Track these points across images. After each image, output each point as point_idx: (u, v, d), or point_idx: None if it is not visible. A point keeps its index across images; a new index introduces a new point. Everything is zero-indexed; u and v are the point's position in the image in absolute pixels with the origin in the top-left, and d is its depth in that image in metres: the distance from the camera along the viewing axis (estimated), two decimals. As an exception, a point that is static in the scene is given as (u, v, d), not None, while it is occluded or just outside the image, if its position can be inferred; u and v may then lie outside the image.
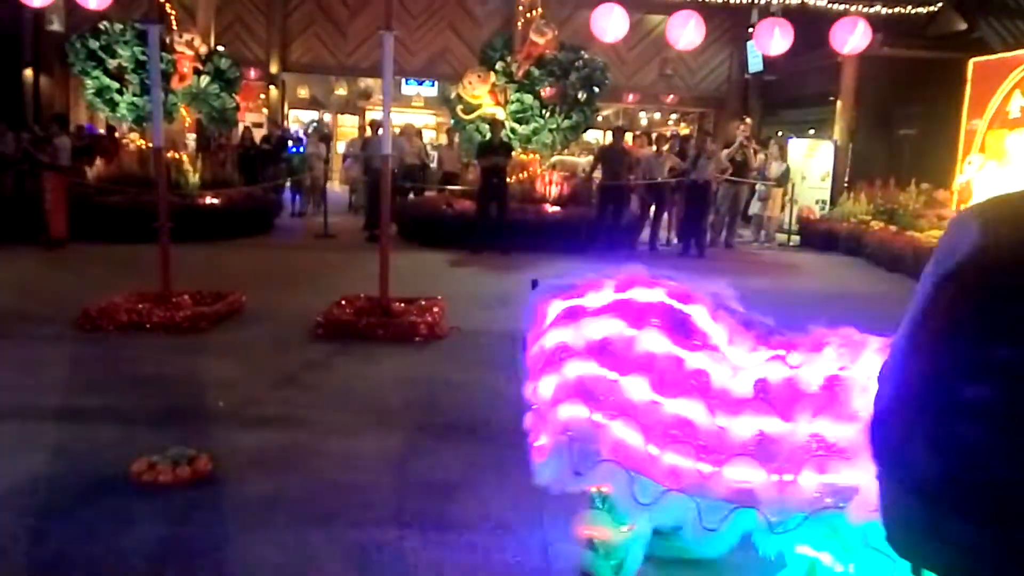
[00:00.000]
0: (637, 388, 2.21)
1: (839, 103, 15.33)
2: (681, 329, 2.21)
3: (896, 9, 14.60)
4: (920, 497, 0.97)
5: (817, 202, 14.45)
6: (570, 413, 2.40)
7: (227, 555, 2.98)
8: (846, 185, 14.27)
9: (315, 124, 18.46)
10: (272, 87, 18.72)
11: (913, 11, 14.55)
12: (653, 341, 2.21)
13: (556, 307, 2.63)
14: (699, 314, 2.19)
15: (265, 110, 18.56)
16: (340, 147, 17.33)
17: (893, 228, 11.50)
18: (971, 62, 11.91)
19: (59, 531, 3.08)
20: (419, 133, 14.81)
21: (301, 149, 14.75)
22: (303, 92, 21.05)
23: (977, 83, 11.73)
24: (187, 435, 3.98)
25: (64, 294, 7.14)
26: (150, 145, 9.37)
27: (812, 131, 16.52)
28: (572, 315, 2.49)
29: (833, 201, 14.20)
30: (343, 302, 6.53)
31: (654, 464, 2.17)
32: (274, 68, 18.59)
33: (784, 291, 8.97)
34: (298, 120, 19.94)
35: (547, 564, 2.98)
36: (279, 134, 15.16)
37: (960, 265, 1.00)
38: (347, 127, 20.50)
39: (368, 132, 13.47)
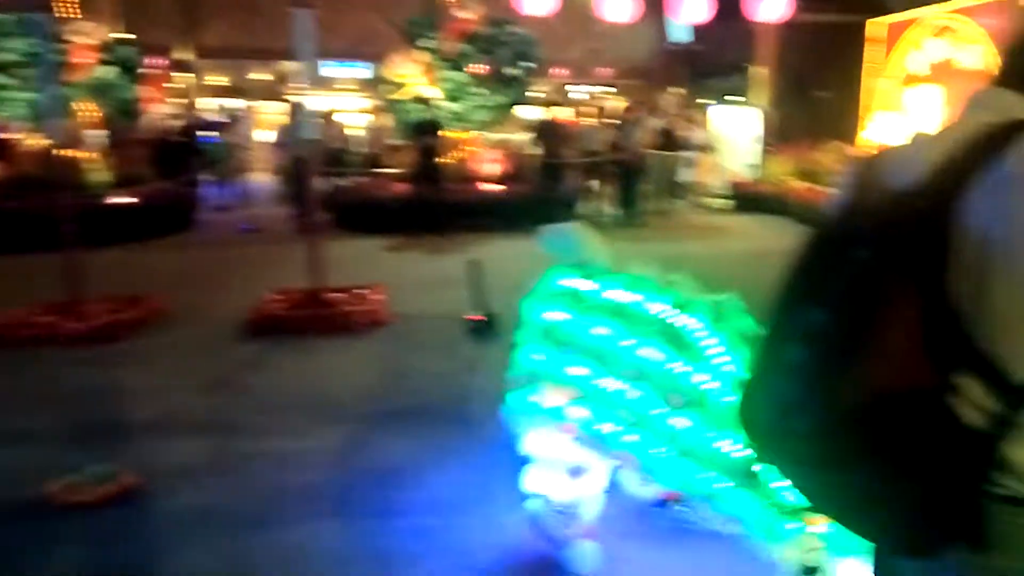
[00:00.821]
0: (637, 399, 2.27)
1: (759, 69, 15.64)
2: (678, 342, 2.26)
3: None
4: (764, 446, 1.12)
5: (744, 166, 14.75)
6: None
7: (160, 568, 2.84)
8: (770, 148, 14.59)
9: (238, 113, 17.82)
10: (184, 75, 17.96)
11: None
12: (652, 352, 2.27)
13: (566, 281, 2.62)
14: (697, 328, 2.25)
15: (178, 99, 17.82)
16: (263, 135, 16.77)
17: (813, 187, 11.83)
18: (869, 23, 12.48)
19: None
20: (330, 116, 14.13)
21: (217, 139, 14.13)
22: (218, 79, 20.30)
23: (878, 43, 12.33)
24: (110, 451, 3.74)
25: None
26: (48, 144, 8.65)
27: (737, 97, 16.83)
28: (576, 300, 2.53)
29: (760, 164, 14.51)
30: (275, 296, 6.28)
31: None
32: (185, 55, 17.81)
33: (715, 254, 9.15)
34: (216, 108, 19.21)
35: (497, 543, 2.94)
36: (191, 124, 14.49)
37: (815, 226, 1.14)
38: (270, 114, 19.88)
39: (290, 118, 12.95)
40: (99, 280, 6.10)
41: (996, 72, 1.14)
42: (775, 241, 10.04)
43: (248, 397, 4.61)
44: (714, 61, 18.42)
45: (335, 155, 12.86)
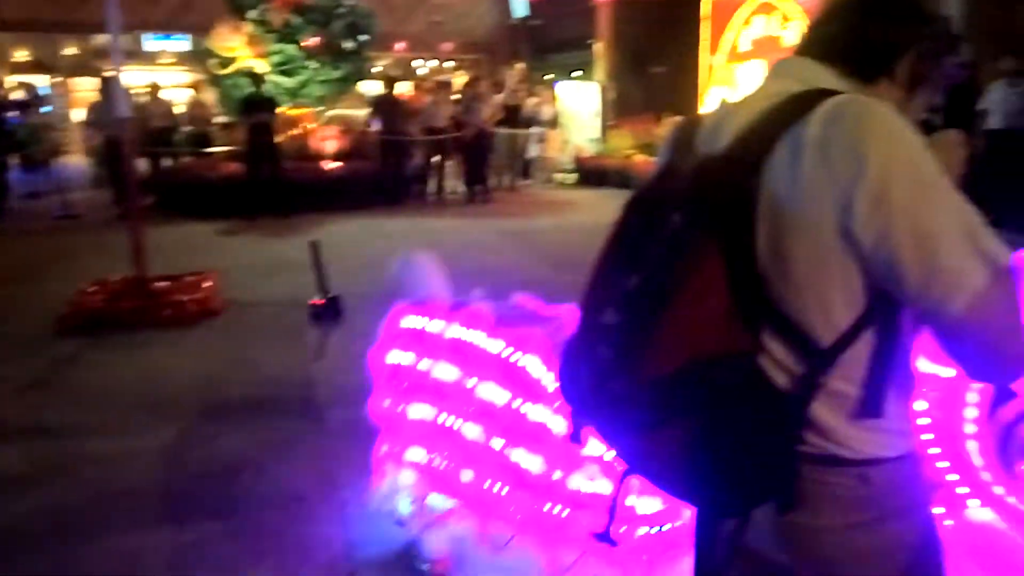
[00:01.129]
0: (477, 435, 2.24)
1: (599, 45, 16.02)
2: (517, 381, 2.22)
3: None
4: (583, 411, 1.13)
5: (588, 141, 15.12)
6: (415, 457, 2.43)
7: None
8: (612, 123, 15.03)
9: (41, 91, 16.33)
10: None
11: None
12: (492, 393, 2.24)
13: (407, 321, 2.55)
14: (534, 365, 2.17)
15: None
16: (78, 114, 15.47)
17: (653, 159, 12.30)
18: (703, 1, 12.91)
19: None
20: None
21: (22, 120, 12.89)
22: (22, 54, 18.53)
23: (712, 20, 12.79)
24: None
25: None
26: None
27: (578, 73, 17.17)
28: (417, 338, 2.48)
29: (602, 139, 14.93)
30: (94, 288, 5.82)
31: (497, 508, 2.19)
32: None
33: (564, 227, 9.36)
34: (19, 85, 17.52)
35: (346, 534, 2.85)
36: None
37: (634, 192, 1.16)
38: (85, 91, 18.36)
39: (104, 96, 11.94)
40: None
41: (798, 42, 1.19)
42: (612, 213, 10.46)
43: (70, 397, 4.26)
44: (557, 37, 18.69)
45: (161, 134, 12.06)
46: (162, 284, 5.88)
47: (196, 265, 6.60)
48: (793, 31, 10.81)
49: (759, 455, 0.99)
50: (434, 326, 2.42)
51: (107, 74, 9.47)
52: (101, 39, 18.50)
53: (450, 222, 9.84)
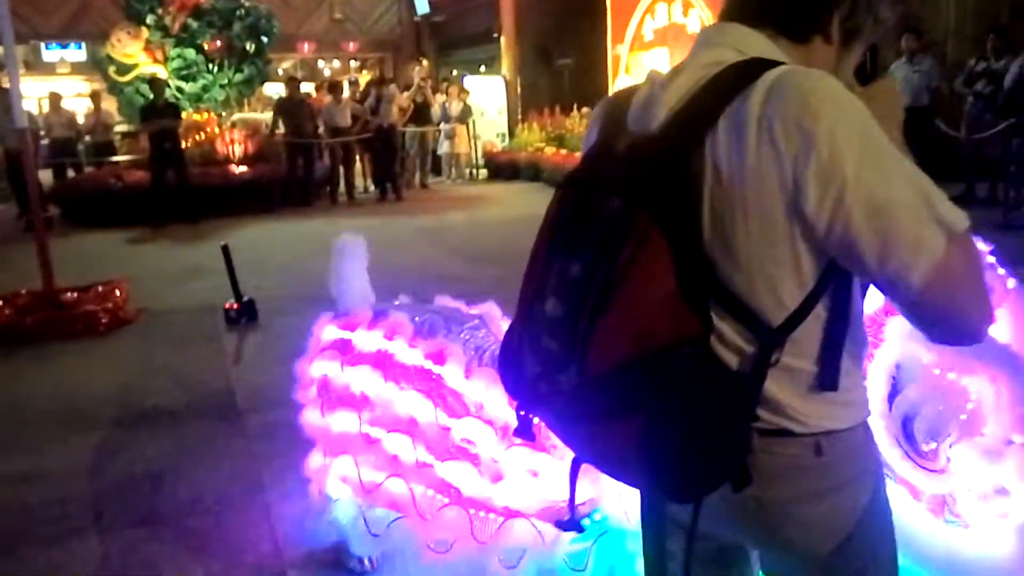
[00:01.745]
0: (403, 446, 2.19)
1: (503, 39, 16.04)
2: (437, 391, 2.17)
3: None
4: (527, 403, 1.08)
5: (497, 135, 15.21)
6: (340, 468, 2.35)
7: None
8: (520, 117, 15.11)
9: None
10: None
11: None
12: (413, 404, 2.18)
13: (329, 333, 2.48)
14: (453, 374, 2.15)
15: None
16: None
17: (564, 151, 12.53)
18: None
19: None
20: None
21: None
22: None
23: (616, 11, 12.81)
24: None
25: None
26: None
27: (483, 68, 17.18)
28: (341, 350, 2.40)
29: (511, 133, 15.02)
30: (0, 302, 5.66)
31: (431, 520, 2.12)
32: None
33: (477, 222, 9.45)
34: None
35: (273, 535, 2.85)
36: None
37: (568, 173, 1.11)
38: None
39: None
40: None
41: (725, 6, 1.10)
42: (531, 205, 10.44)
43: (-22, 415, 4.17)
44: (461, 32, 18.59)
45: (64, 144, 11.63)
46: (71, 295, 5.76)
47: (106, 275, 6.44)
48: (692, 18, 10.81)
49: (714, 438, 0.95)
50: (357, 337, 2.38)
51: (2, 85, 9.09)
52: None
53: (363, 222, 9.81)
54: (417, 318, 2.36)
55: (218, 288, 5.73)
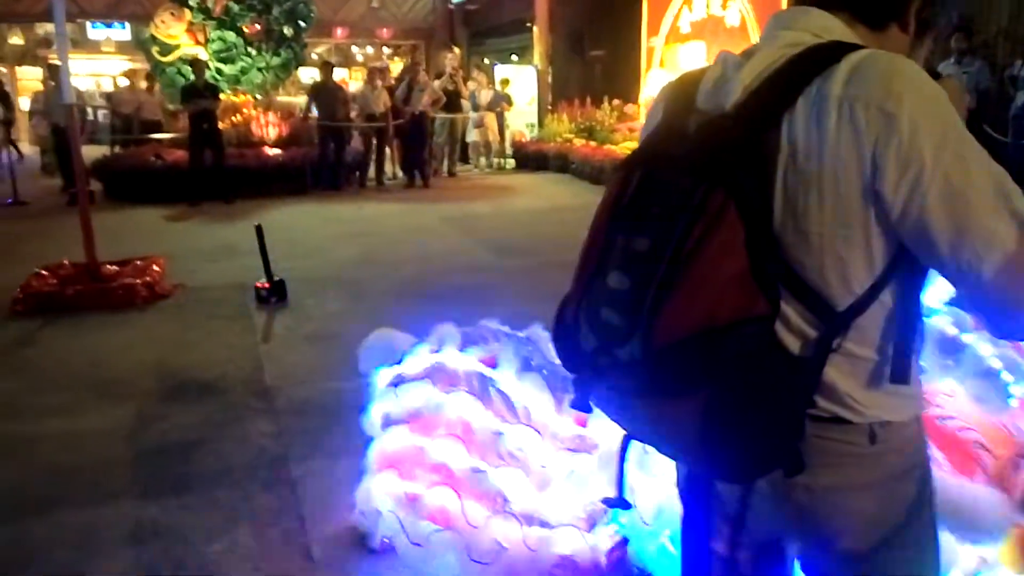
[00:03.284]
0: (453, 455, 2.16)
1: (536, 29, 15.90)
2: (488, 395, 2.16)
3: None
4: (585, 376, 1.06)
5: (527, 125, 15.09)
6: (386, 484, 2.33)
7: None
8: (550, 107, 14.97)
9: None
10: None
11: None
12: (465, 407, 2.16)
13: (384, 376, 2.48)
14: (505, 377, 2.12)
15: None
16: (25, 103, 14.96)
17: (593, 144, 12.38)
18: None
19: None
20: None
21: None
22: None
23: (652, 3, 12.60)
24: None
25: None
26: None
27: (515, 57, 17.06)
28: (396, 383, 2.41)
29: (540, 123, 14.89)
30: (44, 272, 5.78)
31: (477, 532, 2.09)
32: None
33: (503, 212, 9.45)
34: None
35: (298, 512, 2.89)
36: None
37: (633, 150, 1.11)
38: (29, 80, 17.70)
39: (50, 84, 11.68)
40: None
41: None
42: (558, 197, 10.46)
43: (23, 377, 4.28)
44: (494, 20, 18.45)
45: (112, 121, 11.86)
46: (112, 268, 5.87)
47: (144, 250, 6.56)
48: (732, 12, 10.56)
49: (772, 421, 0.94)
50: (412, 364, 2.38)
51: (52, 63, 9.23)
52: (45, 28, 17.90)
53: (391, 207, 9.88)
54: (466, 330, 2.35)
55: (250, 267, 5.81)
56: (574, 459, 2.05)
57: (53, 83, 10.13)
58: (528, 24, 16.16)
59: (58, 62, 6.80)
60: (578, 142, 12.70)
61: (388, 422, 2.42)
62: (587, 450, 2.08)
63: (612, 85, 13.84)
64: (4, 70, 18.00)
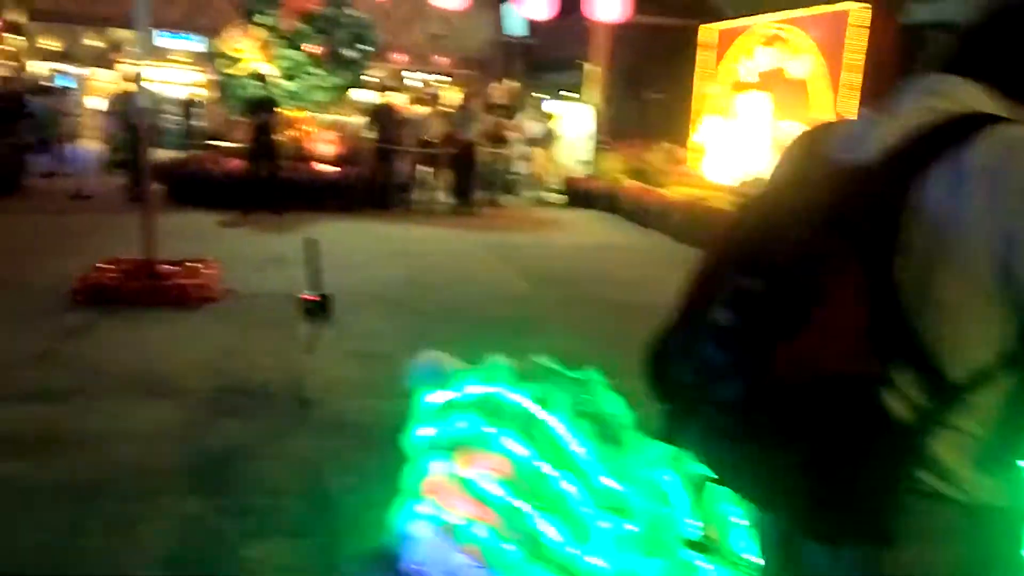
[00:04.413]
0: (495, 491, 2.15)
1: (594, 67, 15.97)
2: (536, 435, 2.13)
3: None
4: (677, 412, 1.06)
5: (577, 162, 15.10)
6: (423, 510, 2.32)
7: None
8: (602, 145, 14.96)
9: (64, 78, 16.34)
10: (15, 37, 16.23)
11: None
12: (511, 444, 2.14)
13: (434, 398, 2.47)
14: (555, 421, 2.09)
15: (8, 62, 16.09)
16: (93, 102, 15.46)
17: (643, 185, 12.31)
18: (702, 28, 12.59)
19: None
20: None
21: (46, 105, 12.92)
22: (51, 43, 18.47)
23: (710, 48, 12.46)
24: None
25: None
26: None
27: (570, 93, 17.14)
28: (443, 410, 2.41)
29: (592, 161, 14.89)
30: (104, 265, 5.94)
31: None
32: (16, 16, 16.10)
33: (546, 245, 9.47)
34: (47, 73, 17.51)
35: (330, 522, 2.92)
36: (21, 87, 13.18)
37: (753, 195, 1.11)
38: (101, 81, 18.31)
39: (124, 87, 12.08)
40: None
41: (941, 57, 1.07)
42: (603, 235, 10.48)
43: (78, 368, 4.38)
44: (550, 56, 18.55)
45: (176, 127, 12.20)
46: (168, 267, 6.00)
47: (196, 252, 6.70)
48: (801, 65, 10.33)
49: (869, 487, 0.91)
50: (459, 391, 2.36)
51: (132, 68, 9.53)
52: (119, 33, 18.54)
53: (436, 231, 9.97)
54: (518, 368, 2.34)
55: (296, 278, 5.84)
56: (615, 520, 2.02)
57: (130, 87, 10.46)
58: (584, 62, 16.25)
59: (132, 67, 7.01)
60: (629, 182, 12.61)
61: (430, 448, 2.41)
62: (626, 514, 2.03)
63: (666, 128, 13.77)
64: (81, 71, 18.65)
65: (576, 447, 2.14)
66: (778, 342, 0.89)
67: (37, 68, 17.06)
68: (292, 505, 3.03)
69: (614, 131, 14.94)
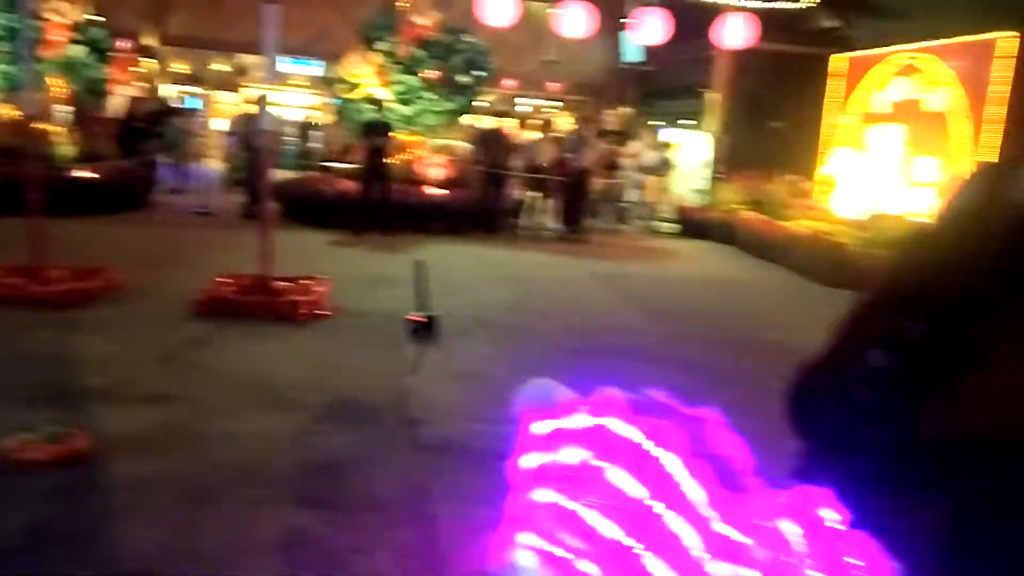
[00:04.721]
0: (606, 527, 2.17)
1: (713, 95, 15.81)
2: (650, 473, 2.17)
3: (776, 4, 15.01)
4: (823, 452, 1.04)
5: (693, 191, 14.93)
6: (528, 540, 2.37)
7: (104, 532, 2.91)
8: (721, 175, 14.74)
9: (191, 100, 17.68)
10: (148, 60, 17.74)
11: (789, 6, 14.93)
12: (623, 480, 2.18)
13: (539, 427, 2.58)
14: (673, 463, 2.13)
15: (141, 83, 17.58)
16: (216, 123, 16.61)
17: (763, 217, 12.03)
18: (832, 57, 12.39)
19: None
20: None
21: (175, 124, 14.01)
22: (180, 67, 20.05)
23: (840, 78, 12.25)
24: (63, 413, 3.85)
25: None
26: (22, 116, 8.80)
27: (687, 121, 17.01)
28: (552, 439, 2.49)
29: (709, 190, 14.69)
30: (224, 280, 6.35)
31: None
32: (151, 40, 17.61)
33: (657, 276, 9.39)
34: (176, 94, 18.99)
35: (435, 543, 3.00)
36: (152, 107, 14.34)
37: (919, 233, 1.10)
38: (224, 104, 19.66)
39: (246, 110, 12.96)
40: (61, 249, 6.24)
41: None
42: (720, 268, 10.31)
43: (196, 374, 4.70)
44: (666, 82, 18.52)
45: (293, 148, 12.92)
46: (282, 284, 6.35)
47: (308, 270, 7.02)
48: (939, 96, 10.00)
49: (1015, 554, 0.87)
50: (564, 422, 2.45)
51: (256, 92, 10.26)
52: (243, 59, 19.90)
53: (544, 258, 10.07)
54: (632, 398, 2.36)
55: (403, 299, 6.04)
56: (730, 569, 1.98)
57: (252, 109, 11.23)
58: (703, 89, 16.13)
59: (255, 90, 7.48)
60: (747, 214, 12.36)
61: (538, 477, 2.44)
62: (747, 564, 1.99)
63: (788, 158, 13.48)
64: (206, 93, 20.08)
65: (691, 488, 2.11)
66: (934, 392, 0.87)
67: (167, 90, 18.48)
68: (399, 523, 3.12)
69: (732, 161, 14.72)
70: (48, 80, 11.08)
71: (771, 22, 13.98)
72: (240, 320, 5.79)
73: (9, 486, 3.16)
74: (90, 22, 11.79)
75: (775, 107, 14.79)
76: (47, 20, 10.81)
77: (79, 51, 11.37)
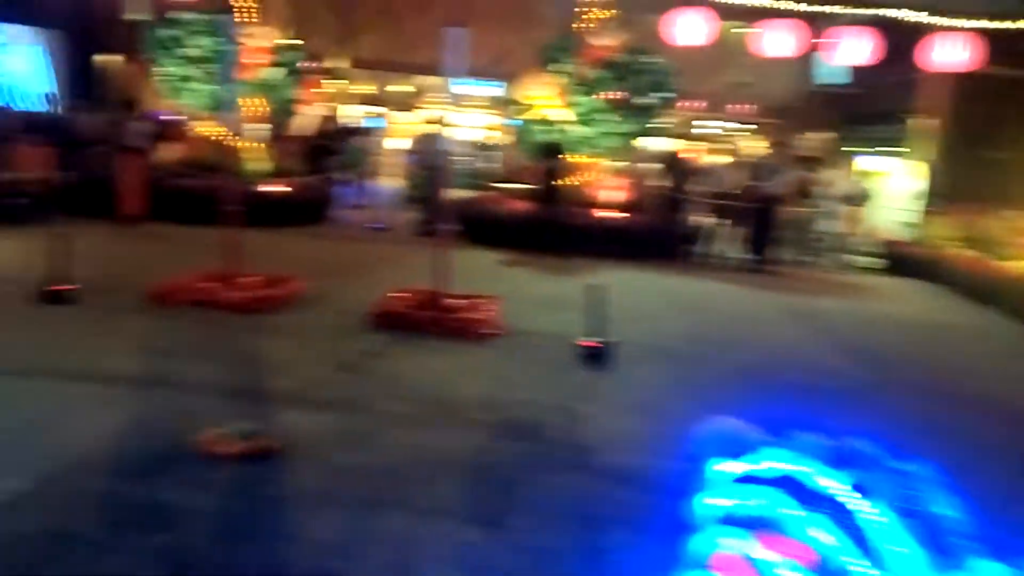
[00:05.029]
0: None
1: (925, 121, 14.85)
2: (848, 528, 2.04)
3: (1003, 24, 13.94)
4: None
5: (898, 224, 14.06)
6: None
7: (282, 527, 3.12)
8: (933, 208, 13.80)
9: (371, 120, 18.88)
10: (334, 80, 19.16)
11: (1012, 26, 13.87)
12: (821, 534, 2.06)
13: (725, 468, 2.48)
14: (875, 516, 1.99)
15: (327, 103, 19.00)
16: (393, 142, 17.57)
17: (977, 255, 11.09)
18: None
19: (128, 490, 3.30)
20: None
21: (356, 143, 14.99)
22: (363, 87, 21.49)
23: None
24: (251, 411, 4.20)
25: (136, 269, 7.64)
26: (222, 133, 9.94)
27: (889, 148, 16.10)
28: (743, 482, 2.40)
29: (916, 224, 13.77)
30: (399, 294, 6.66)
31: None
32: (339, 63, 19.04)
33: (856, 314, 8.85)
34: (359, 114, 20.38)
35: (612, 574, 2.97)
36: (337, 126, 15.43)
37: None
38: (402, 124, 20.80)
39: (425, 129, 13.64)
40: (250, 257, 6.79)
41: None
42: (930, 311, 9.61)
43: (373, 383, 4.95)
44: (867, 107, 17.74)
45: (469, 168, 13.43)
46: (455, 301, 6.56)
47: (482, 289, 7.24)
48: None
49: None
50: (756, 465, 2.31)
51: (437, 113, 10.77)
52: (423, 80, 21.00)
53: (726, 287, 9.75)
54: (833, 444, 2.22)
55: (575, 323, 6.09)
56: None
57: (431, 129, 11.80)
58: (911, 114, 15.19)
59: (436, 111, 7.84)
60: (961, 252, 11.42)
61: (724, 521, 2.33)
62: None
63: (1009, 192, 12.43)
64: (385, 113, 21.34)
65: (896, 548, 1.95)
66: None
67: (351, 111, 19.83)
68: (571, 550, 3.11)
69: (947, 192, 13.74)
70: (245, 100, 12.19)
71: (992, 44, 13.02)
72: (413, 334, 6.03)
73: (201, 473, 3.48)
74: (287, 46, 12.89)
75: (995, 136, 13.76)
76: (247, 44, 11.91)
77: (276, 73, 12.42)
